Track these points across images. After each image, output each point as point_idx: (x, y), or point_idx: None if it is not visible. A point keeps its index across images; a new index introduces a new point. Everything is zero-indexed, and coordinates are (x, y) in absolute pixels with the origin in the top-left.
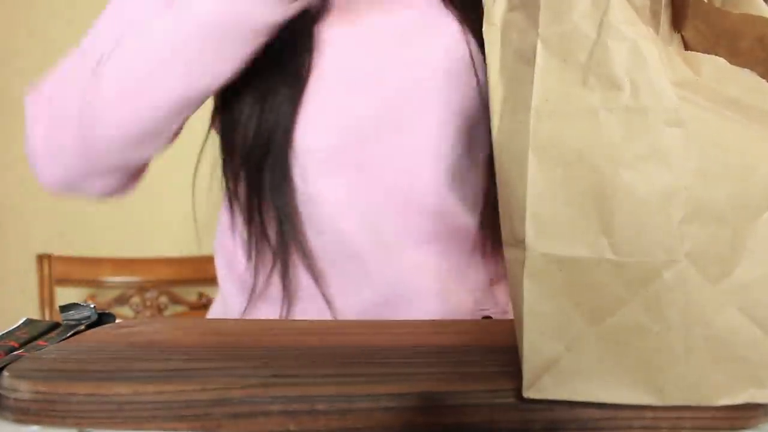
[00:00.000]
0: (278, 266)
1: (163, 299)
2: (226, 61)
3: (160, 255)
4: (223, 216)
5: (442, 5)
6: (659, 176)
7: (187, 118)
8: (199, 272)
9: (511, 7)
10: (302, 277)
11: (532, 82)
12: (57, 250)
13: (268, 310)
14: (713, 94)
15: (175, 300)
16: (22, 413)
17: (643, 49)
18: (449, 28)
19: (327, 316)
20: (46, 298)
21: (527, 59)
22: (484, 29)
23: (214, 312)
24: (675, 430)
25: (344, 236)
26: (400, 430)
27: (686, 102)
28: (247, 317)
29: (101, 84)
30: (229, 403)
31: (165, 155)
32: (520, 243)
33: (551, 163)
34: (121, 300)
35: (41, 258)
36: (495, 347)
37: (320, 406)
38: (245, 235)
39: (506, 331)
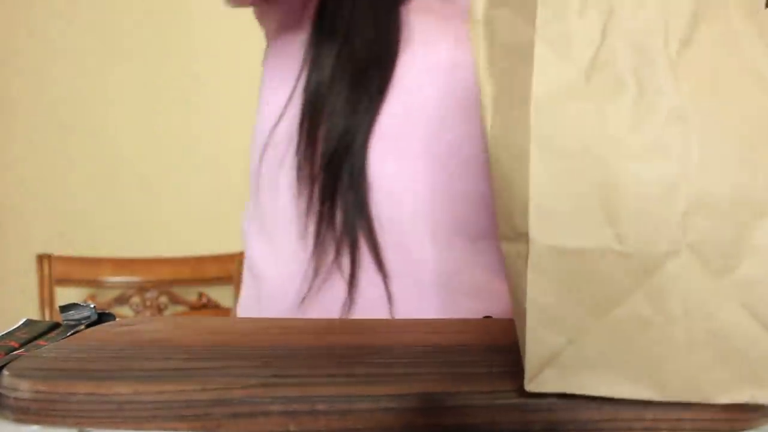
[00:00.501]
0: (344, 258)
1: (163, 299)
2: None
3: (160, 255)
4: (278, 211)
5: None
6: (664, 167)
7: None
8: (199, 272)
9: (492, 5)
10: (367, 271)
11: (530, 77)
12: (57, 250)
13: (327, 306)
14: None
15: (175, 300)
16: (22, 413)
17: (650, 47)
18: None
19: (387, 308)
20: (46, 298)
21: (522, 54)
22: (469, 27)
23: (245, 311)
24: (675, 431)
25: (397, 225)
26: (401, 431)
27: (693, 96)
28: (302, 311)
29: None
30: (230, 403)
31: (165, 155)
32: (522, 236)
33: (554, 155)
34: (121, 300)
35: (41, 258)
36: (495, 347)
37: (320, 407)
38: (312, 226)
39: (506, 330)
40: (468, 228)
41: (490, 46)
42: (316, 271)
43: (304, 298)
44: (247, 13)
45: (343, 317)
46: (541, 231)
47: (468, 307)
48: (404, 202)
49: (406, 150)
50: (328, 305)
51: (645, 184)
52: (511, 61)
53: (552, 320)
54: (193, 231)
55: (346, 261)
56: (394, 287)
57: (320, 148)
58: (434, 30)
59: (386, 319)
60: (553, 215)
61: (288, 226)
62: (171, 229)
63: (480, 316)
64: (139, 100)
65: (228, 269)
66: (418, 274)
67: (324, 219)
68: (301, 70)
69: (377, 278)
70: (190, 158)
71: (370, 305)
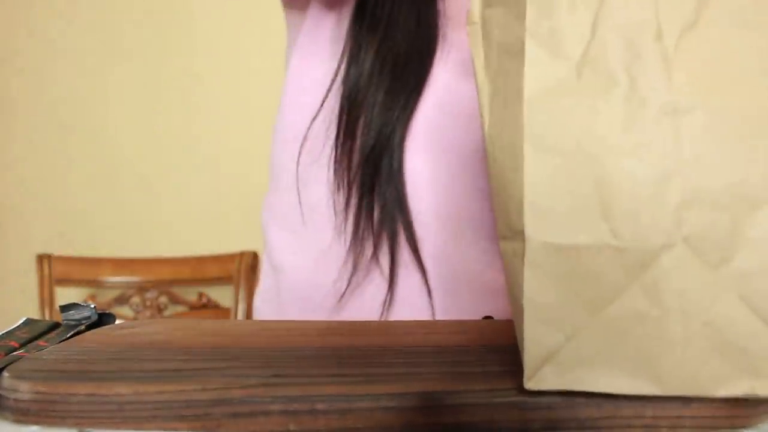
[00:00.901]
0: (383, 250)
1: (163, 299)
2: None
3: (160, 255)
4: (312, 205)
5: None
6: (657, 163)
7: None
8: (199, 272)
9: (487, 4)
10: (406, 265)
11: (522, 75)
12: (57, 250)
13: (366, 301)
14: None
15: (175, 300)
16: (22, 414)
17: (642, 42)
18: None
19: (428, 309)
20: (46, 298)
21: (514, 53)
22: (468, 29)
23: (264, 303)
24: (675, 429)
25: (420, 219)
26: (401, 430)
27: (687, 88)
28: (340, 310)
29: None
30: (230, 403)
31: (165, 155)
32: (518, 234)
33: (548, 153)
34: (121, 300)
35: (41, 258)
36: (495, 347)
37: (320, 406)
38: (351, 220)
39: (506, 331)
40: (493, 227)
41: (486, 46)
42: (355, 266)
43: (343, 294)
44: (248, 13)
45: (384, 313)
46: (537, 228)
47: (495, 307)
48: (436, 198)
49: (440, 146)
50: (368, 301)
51: (638, 180)
52: (505, 60)
53: (549, 317)
54: (193, 231)
55: (384, 256)
56: (432, 283)
57: (359, 142)
58: (463, 27)
59: (385, 321)
60: (547, 212)
61: (322, 221)
62: (171, 229)
63: (501, 315)
64: (139, 100)
65: (228, 269)
66: (453, 271)
67: (362, 214)
68: (339, 63)
69: (416, 273)
70: (190, 158)
71: (410, 301)
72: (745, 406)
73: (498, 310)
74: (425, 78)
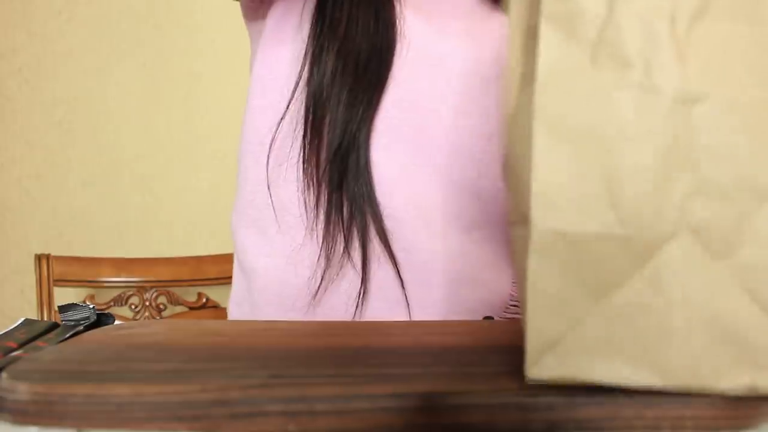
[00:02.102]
0: (355, 245)
1: (162, 299)
2: None
3: (159, 255)
4: (282, 204)
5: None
6: (668, 152)
7: None
8: (199, 272)
9: None
10: (377, 258)
11: (536, 58)
12: (55, 250)
13: (339, 297)
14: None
15: (174, 300)
16: (21, 415)
17: (657, 27)
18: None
19: (402, 301)
20: (44, 299)
21: (535, 35)
22: (510, 6)
23: (237, 307)
24: (676, 429)
25: (389, 213)
26: (400, 431)
27: (699, 77)
28: (318, 301)
29: None
30: (229, 404)
31: (165, 155)
32: (526, 219)
33: (558, 138)
34: (120, 300)
35: (40, 258)
36: (495, 347)
37: (319, 407)
38: (321, 217)
39: (507, 331)
40: (462, 218)
41: (519, 27)
42: (328, 263)
43: (317, 291)
44: None
45: (358, 307)
46: (543, 214)
47: (466, 297)
48: (405, 191)
49: (405, 141)
50: (343, 296)
51: (647, 168)
52: (529, 41)
53: (553, 305)
54: (192, 231)
55: (356, 250)
56: (405, 275)
57: (326, 140)
58: (425, 24)
59: (385, 321)
60: (556, 199)
61: (293, 220)
62: (170, 230)
63: (475, 305)
64: (139, 100)
65: (227, 269)
66: (424, 263)
67: (332, 210)
68: (302, 66)
69: (388, 266)
70: (189, 158)
71: (384, 294)
72: (746, 406)
73: (475, 300)
74: (386, 75)
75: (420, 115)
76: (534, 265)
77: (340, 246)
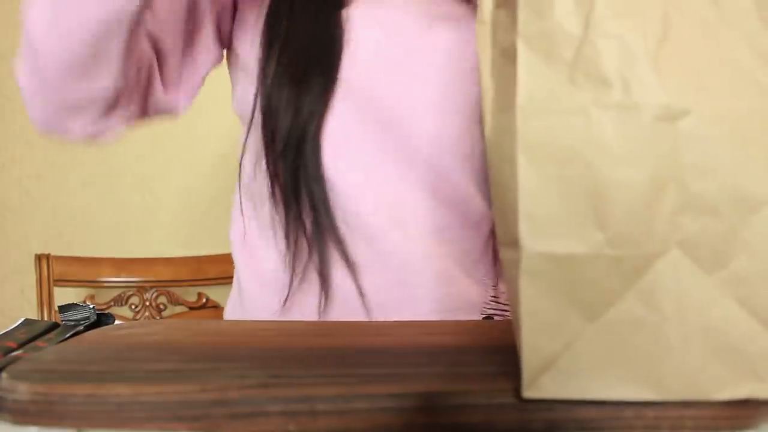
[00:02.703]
0: (315, 256)
1: (162, 299)
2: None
3: (159, 255)
4: (252, 217)
5: None
6: (653, 170)
7: (133, 42)
8: (199, 272)
9: (497, 4)
10: (337, 267)
11: (516, 81)
12: (55, 250)
13: (305, 304)
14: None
15: (174, 300)
16: (21, 414)
17: (633, 45)
18: (468, 16)
19: (361, 306)
20: (44, 299)
21: (511, 58)
22: (476, 28)
23: (230, 314)
24: (676, 429)
25: (361, 219)
26: (400, 431)
27: (678, 94)
28: (285, 313)
29: (30, 16)
30: (229, 404)
31: (165, 155)
32: (515, 242)
33: (542, 161)
34: (120, 300)
35: (40, 258)
36: (495, 347)
37: (319, 407)
38: (283, 228)
39: (506, 331)
40: (425, 220)
41: (493, 49)
42: (294, 270)
43: (286, 299)
44: None
45: (321, 313)
46: (532, 237)
47: (446, 294)
48: (372, 196)
49: (368, 146)
50: (308, 303)
51: (633, 187)
52: (505, 63)
53: (547, 326)
54: (192, 231)
55: (316, 258)
56: (364, 280)
57: (278, 150)
58: (376, 29)
59: (385, 321)
60: (543, 222)
61: (268, 233)
62: (171, 229)
63: (440, 304)
64: None
65: (227, 269)
66: (384, 266)
67: (293, 221)
68: (258, 80)
69: (346, 272)
70: (189, 158)
71: (344, 300)
72: (746, 407)
73: (455, 297)
74: (333, 80)
75: (372, 120)
76: (526, 287)
77: (304, 255)
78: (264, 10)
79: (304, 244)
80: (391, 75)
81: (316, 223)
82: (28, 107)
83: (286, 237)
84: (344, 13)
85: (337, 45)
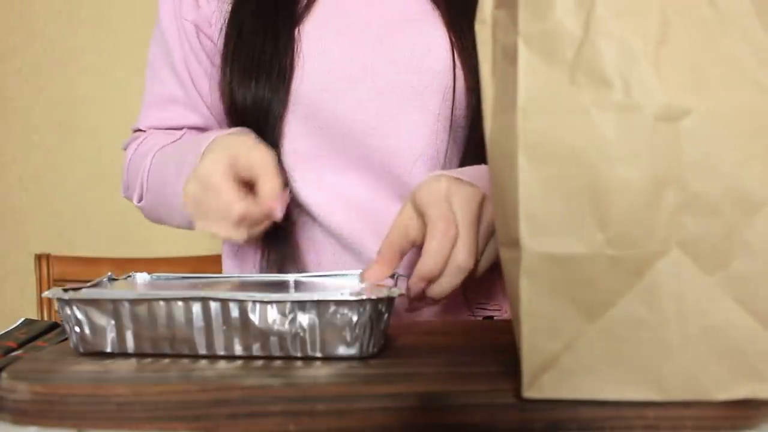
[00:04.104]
0: (293, 270)
1: None
2: None
3: (159, 255)
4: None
5: None
6: (653, 170)
7: None
8: (199, 272)
9: (497, 4)
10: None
11: (516, 82)
12: (56, 249)
13: None
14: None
15: None
16: (21, 414)
17: (633, 46)
18: (433, 24)
19: None
20: (44, 299)
21: (511, 58)
22: (476, 27)
23: None
24: (676, 430)
25: (335, 229)
26: (400, 430)
27: (678, 94)
28: None
29: (153, 216)
30: (229, 404)
31: None
32: (515, 243)
33: (543, 161)
34: None
35: (40, 258)
36: (495, 347)
37: (320, 407)
38: (259, 252)
39: (506, 331)
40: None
41: (494, 49)
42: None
43: None
44: None
45: None
46: (533, 238)
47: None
48: (340, 211)
49: (327, 163)
50: None
51: (633, 187)
52: (505, 64)
53: (547, 326)
54: (192, 231)
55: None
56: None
57: None
58: (331, 46)
59: None
60: (543, 222)
61: (254, 245)
62: (171, 229)
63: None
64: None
65: None
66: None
67: (269, 233)
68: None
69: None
70: None
71: None
72: (746, 407)
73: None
74: (284, 95)
75: (345, 138)
76: (526, 287)
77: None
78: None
79: (276, 257)
80: (350, 88)
81: (290, 235)
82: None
83: (264, 248)
84: (298, 29)
85: (287, 58)
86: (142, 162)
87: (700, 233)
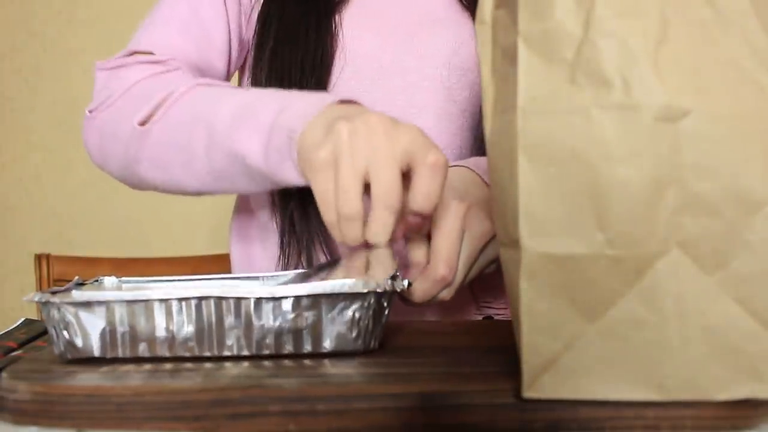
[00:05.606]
0: (303, 260)
1: None
2: (246, 186)
3: (159, 255)
4: (251, 218)
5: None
6: (653, 170)
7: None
8: (199, 272)
9: (497, 4)
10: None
11: (516, 82)
12: (56, 249)
13: None
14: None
15: None
16: (21, 414)
17: (633, 45)
18: (461, 22)
19: None
20: None
21: (511, 58)
22: (476, 28)
23: None
24: (676, 430)
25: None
26: (400, 430)
27: (678, 95)
28: None
29: (140, 155)
30: (229, 404)
31: None
32: (515, 243)
33: (543, 162)
34: None
35: (40, 258)
36: (495, 347)
37: (320, 407)
38: (278, 232)
39: (506, 331)
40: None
41: (494, 50)
42: (286, 269)
43: None
44: None
45: None
46: (532, 238)
47: None
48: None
49: None
50: None
51: (633, 188)
52: (505, 64)
53: (547, 326)
54: (193, 231)
55: (303, 259)
56: None
57: None
58: (367, 34)
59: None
60: (543, 222)
61: (264, 236)
62: (171, 229)
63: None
64: None
65: (227, 269)
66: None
67: (286, 225)
68: None
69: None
70: None
71: None
72: (746, 407)
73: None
74: (324, 88)
75: None
76: (526, 287)
77: (294, 257)
78: (257, 11)
79: (295, 249)
80: (381, 81)
81: (306, 228)
82: (99, 163)
83: (281, 240)
84: (336, 18)
85: (328, 47)
86: (169, 87)
87: (700, 233)
